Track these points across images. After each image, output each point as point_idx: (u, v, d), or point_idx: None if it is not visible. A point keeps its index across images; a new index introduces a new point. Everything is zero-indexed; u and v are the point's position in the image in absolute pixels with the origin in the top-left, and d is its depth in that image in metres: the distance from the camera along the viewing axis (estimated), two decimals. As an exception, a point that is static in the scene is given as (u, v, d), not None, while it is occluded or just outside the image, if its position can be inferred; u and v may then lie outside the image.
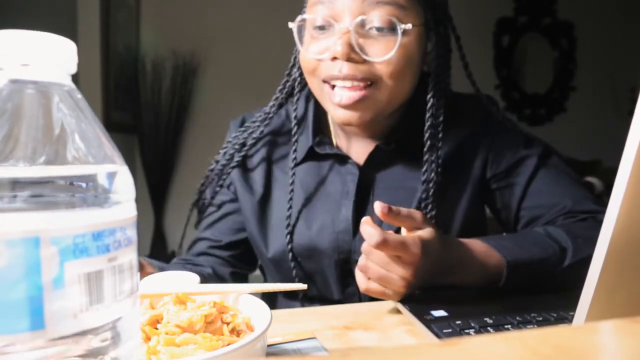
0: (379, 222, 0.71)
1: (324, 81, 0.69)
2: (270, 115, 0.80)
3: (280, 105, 0.81)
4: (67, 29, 2.56)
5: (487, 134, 0.78)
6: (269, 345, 0.48)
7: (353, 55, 0.65)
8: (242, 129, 0.82)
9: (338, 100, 0.67)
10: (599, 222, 0.33)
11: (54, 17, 2.40)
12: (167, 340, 0.38)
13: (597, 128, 3.61)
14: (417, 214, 0.60)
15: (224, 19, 3.19)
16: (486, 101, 0.79)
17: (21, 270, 0.24)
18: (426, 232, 0.58)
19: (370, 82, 0.67)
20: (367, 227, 0.56)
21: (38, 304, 0.24)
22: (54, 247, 0.25)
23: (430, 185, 0.72)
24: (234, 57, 3.19)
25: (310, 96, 0.80)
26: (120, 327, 0.28)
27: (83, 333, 0.26)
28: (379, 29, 0.66)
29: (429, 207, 0.72)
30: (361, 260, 0.59)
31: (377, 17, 0.65)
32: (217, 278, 0.78)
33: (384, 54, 0.66)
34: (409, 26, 0.66)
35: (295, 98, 0.78)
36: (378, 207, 0.57)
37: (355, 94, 0.67)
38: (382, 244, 0.54)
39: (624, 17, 3.70)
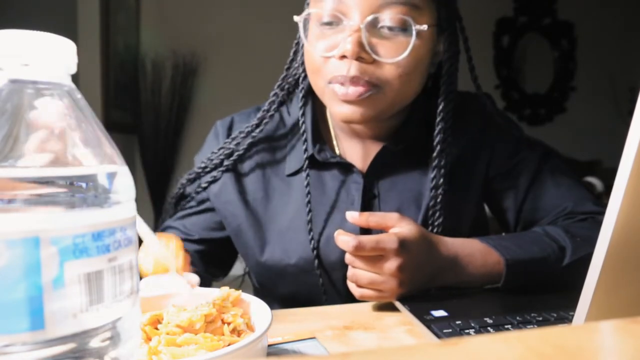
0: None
1: (329, 82, 0.66)
2: (271, 113, 0.75)
3: (281, 103, 0.77)
4: (67, 29, 2.56)
5: (488, 136, 0.77)
6: (269, 345, 0.48)
7: (363, 54, 0.62)
8: (241, 130, 0.77)
9: (343, 92, 0.64)
10: (599, 223, 0.33)
11: (54, 17, 2.40)
12: (169, 340, 0.38)
13: (597, 128, 3.61)
14: (393, 215, 0.60)
15: (223, 19, 3.19)
16: (485, 100, 0.78)
17: (21, 271, 0.24)
18: (405, 230, 0.59)
19: (377, 85, 0.64)
20: (340, 236, 0.57)
21: (38, 304, 0.24)
22: (53, 247, 0.25)
23: (439, 191, 0.70)
24: (234, 57, 3.19)
25: (307, 97, 0.76)
26: (120, 327, 0.28)
27: (83, 333, 0.26)
28: (390, 29, 0.63)
29: (437, 214, 0.70)
30: (349, 271, 0.60)
31: (389, 16, 0.62)
32: None
33: (395, 55, 0.63)
34: (424, 27, 0.63)
35: (296, 96, 0.74)
36: (349, 214, 0.61)
37: (362, 89, 0.63)
38: (358, 247, 0.56)
39: (624, 17, 3.70)
